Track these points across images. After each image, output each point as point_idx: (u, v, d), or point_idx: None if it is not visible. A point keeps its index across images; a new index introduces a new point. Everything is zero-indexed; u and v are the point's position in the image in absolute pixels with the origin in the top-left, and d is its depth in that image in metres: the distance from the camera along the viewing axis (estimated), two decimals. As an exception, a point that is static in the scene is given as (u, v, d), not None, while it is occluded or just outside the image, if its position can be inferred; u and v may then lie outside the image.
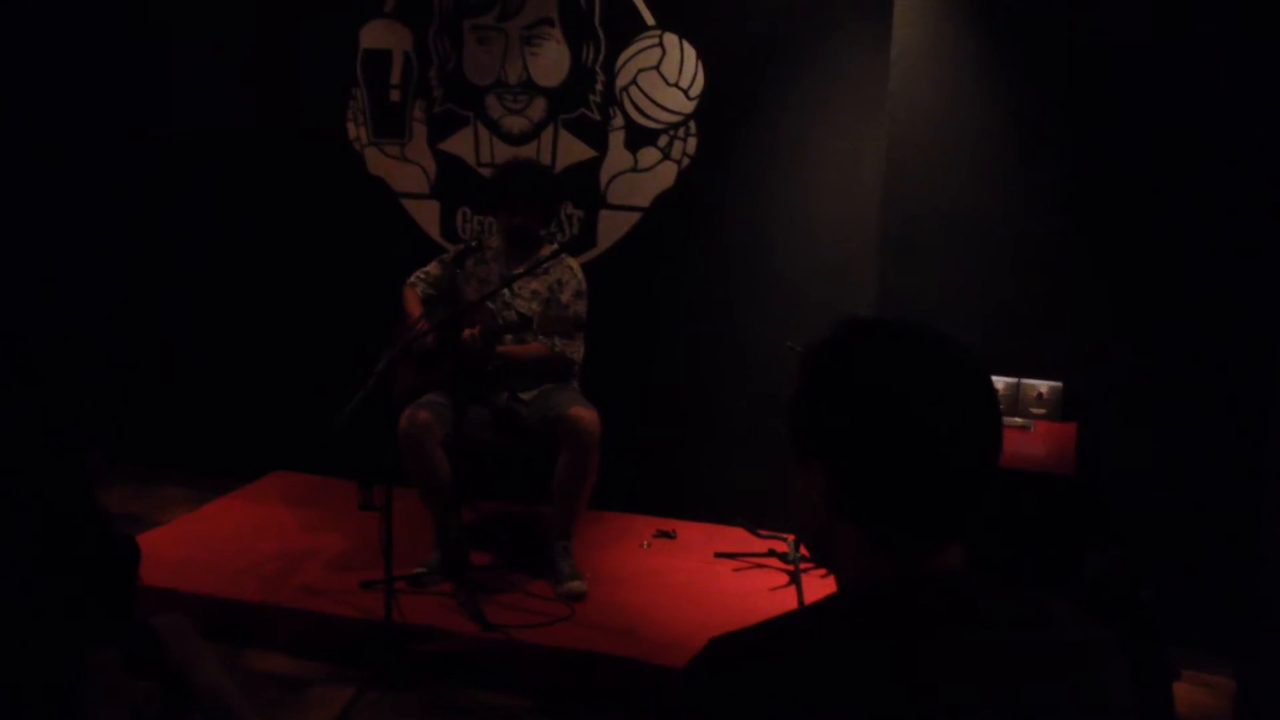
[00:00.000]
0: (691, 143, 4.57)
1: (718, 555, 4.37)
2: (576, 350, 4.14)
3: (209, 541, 4.36)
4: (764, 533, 4.46)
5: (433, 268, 4.31)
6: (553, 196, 4.31)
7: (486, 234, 4.64)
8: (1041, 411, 3.91)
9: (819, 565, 1.35)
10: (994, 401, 1.16)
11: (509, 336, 4.02)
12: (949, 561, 1.14)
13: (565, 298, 4.11)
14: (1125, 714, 1.13)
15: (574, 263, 4.24)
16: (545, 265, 4.10)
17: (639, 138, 4.62)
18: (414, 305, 4.22)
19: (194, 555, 4.19)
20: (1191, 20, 3.69)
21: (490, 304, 4.00)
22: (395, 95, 4.89)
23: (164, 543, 4.24)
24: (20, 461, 2.26)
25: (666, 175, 4.62)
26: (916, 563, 1.13)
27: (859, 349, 1.16)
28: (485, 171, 4.74)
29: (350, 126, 4.96)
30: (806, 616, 1.15)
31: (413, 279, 4.30)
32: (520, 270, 4.01)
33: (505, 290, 4.05)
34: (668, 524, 4.68)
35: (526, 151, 4.73)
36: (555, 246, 4.25)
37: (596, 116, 4.66)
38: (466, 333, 3.89)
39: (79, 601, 2.17)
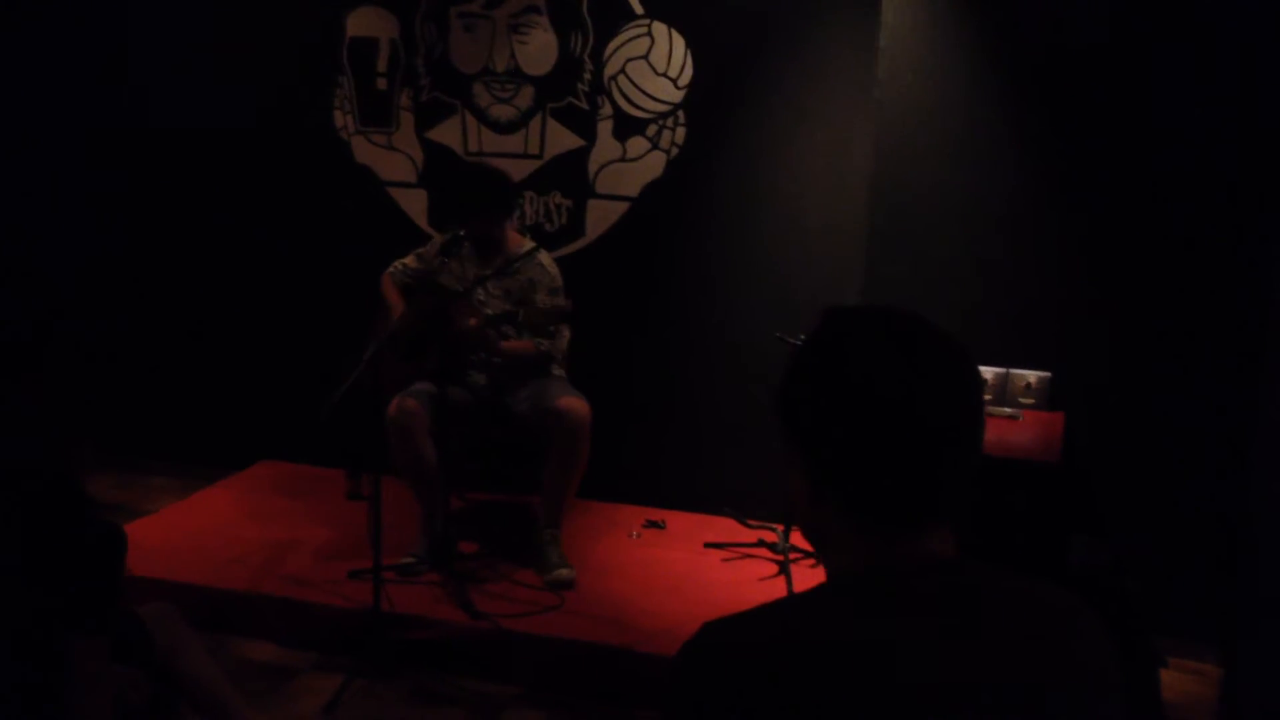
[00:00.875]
0: (680, 132, 4.56)
1: (707, 545, 4.38)
2: (559, 345, 4.13)
3: (197, 531, 4.35)
4: (753, 523, 4.47)
5: (410, 260, 4.28)
6: (503, 199, 4.17)
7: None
8: (1030, 401, 3.92)
9: (814, 554, 1.35)
10: (973, 385, 1.16)
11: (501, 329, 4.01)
12: (938, 548, 1.14)
13: (540, 297, 4.04)
14: (1114, 701, 1.14)
15: (547, 259, 4.15)
16: (516, 265, 4.06)
17: (627, 127, 4.61)
18: (393, 294, 4.21)
19: (182, 545, 4.18)
20: (1189, 12, 3.69)
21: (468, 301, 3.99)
22: (382, 83, 4.86)
23: (151, 532, 4.23)
24: (7, 451, 2.25)
25: (655, 165, 4.61)
26: (903, 549, 1.13)
27: (831, 338, 1.16)
28: (473, 161, 4.73)
29: (337, 115, 4.93)
30: (800, 602, 1.16)
31: (391, 269, 4.29)
32: (489, 272, 3.99)
33: (479, 290, 4.03)
34: (657, 514, 4.68)
35: (514, 141, 4.72)
36: (527, 244, 4.18)
37: (585, 106, 4.65)
38: (473, 320, 3.87)
39: (65, 591, 2.16)
